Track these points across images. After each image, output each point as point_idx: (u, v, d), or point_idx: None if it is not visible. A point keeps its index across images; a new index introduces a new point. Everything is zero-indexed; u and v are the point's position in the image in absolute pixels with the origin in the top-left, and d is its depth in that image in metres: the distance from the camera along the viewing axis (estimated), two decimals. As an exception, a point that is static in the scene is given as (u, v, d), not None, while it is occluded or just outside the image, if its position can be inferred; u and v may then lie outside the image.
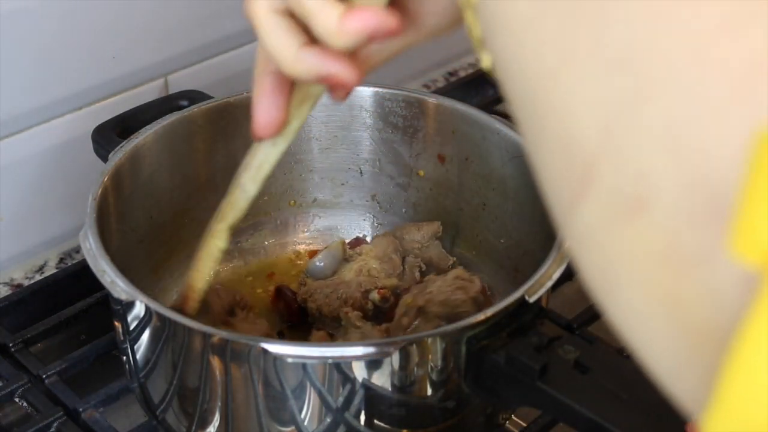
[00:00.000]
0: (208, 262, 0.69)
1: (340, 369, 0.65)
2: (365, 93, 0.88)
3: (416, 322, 0.76)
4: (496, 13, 0.37)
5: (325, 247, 0.87)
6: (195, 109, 0.85)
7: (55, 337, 0.86)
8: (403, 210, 0.91)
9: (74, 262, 0.95)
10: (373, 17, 0.46)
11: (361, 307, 0.81)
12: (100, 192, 0.75)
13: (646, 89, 0.32)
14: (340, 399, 0.65)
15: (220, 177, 0.88)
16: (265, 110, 0.55)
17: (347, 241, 0.89)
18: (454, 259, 0.88)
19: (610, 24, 0.33)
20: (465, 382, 0.67)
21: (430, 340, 0.66)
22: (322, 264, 0.85)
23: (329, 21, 0.47)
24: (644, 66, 0.32)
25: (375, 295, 0.82)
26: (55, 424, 0.76)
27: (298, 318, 0.84)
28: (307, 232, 0.92)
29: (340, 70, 0.50)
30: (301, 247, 0.92)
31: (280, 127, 0.53)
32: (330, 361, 0.64)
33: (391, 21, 0.49)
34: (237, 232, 0.89)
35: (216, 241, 0.67)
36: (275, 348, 0.63)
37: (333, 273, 0.85)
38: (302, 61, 0.51)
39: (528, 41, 0.36)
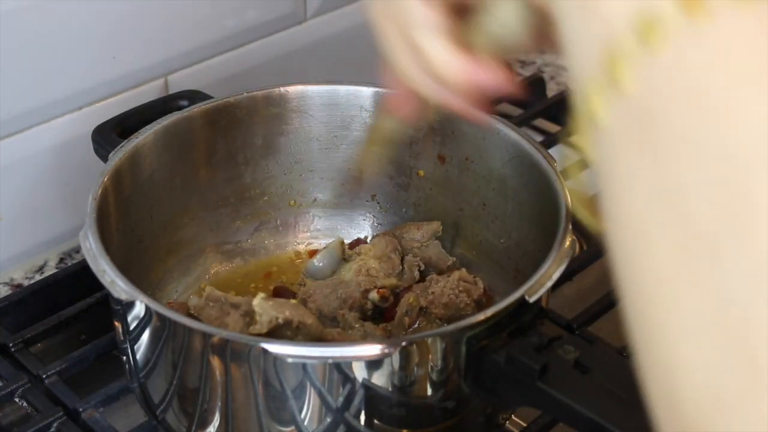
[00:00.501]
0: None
1: (340, 369, 0.65)
2: (365, 93, 0.88)
3: (418, 323, 0.76)
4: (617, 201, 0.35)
5: (324, 247, 0.87)
6: (195, 109, 0.85)
7: (55, 337, 0.86)
8: (403, 210, 0.91)
9: (74, 262, 0.96)
10: (492, 78, 0.48)
11: (361, 307, 0.81)
12: (100, 192, 0.75)
13: (757, 380, 0.30)
14: (340, 399, 0.65)
15: (220, 177, 0.88)
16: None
17: (347, 242, 0.89)
18: (454, 258, 0.88)
19: (723, 289, 0.31)
20: (465, 382, 0.67)
21: (430, 340, 0.66)
22: (321, 264, 0.85)
23: (442, 58, 0.50)
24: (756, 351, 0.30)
25: (374, 295, 0.82)
26: (55, 424, 0.76)
27: None
28: (307, 232, 0.92)
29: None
30: (301, 247, 0.92)
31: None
32: (330, 361, 0.64)
33: (505, 84, 0.51)
34: (237, 231, 0.90)
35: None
36: (275, 348, 0.63)
37: (332, 273, 0.85)
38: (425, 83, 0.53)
39: (642, 262, 0.34)
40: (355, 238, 0.91)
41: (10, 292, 0.92)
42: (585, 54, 0.36)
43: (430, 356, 0.66)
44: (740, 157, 0.31)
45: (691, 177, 0.32)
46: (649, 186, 0.33)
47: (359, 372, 0.65)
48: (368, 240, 0.91)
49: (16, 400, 0.79)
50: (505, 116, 0.96)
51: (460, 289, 0.78)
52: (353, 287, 0.82)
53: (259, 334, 0.71)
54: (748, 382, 0.30)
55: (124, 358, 0.73)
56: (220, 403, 0.68)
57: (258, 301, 0.71)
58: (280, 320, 0.71)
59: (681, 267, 0.32)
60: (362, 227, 0.93)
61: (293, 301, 0.76)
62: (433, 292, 0.78)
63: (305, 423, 0.67)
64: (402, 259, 0.87)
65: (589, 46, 0.35)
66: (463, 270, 0.83)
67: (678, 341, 0.32)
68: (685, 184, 0.32)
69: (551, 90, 1.23)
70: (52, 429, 0.76)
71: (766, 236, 0.30)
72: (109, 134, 0.84)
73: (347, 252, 0.87)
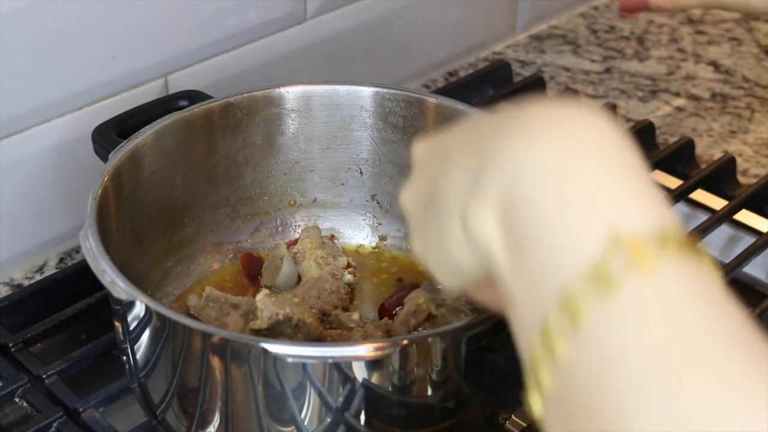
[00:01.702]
0: None
1: (340, 369, 0.65)
2: (365, 93, 0.88)
3: (422, 329, 0.76)
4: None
5: (272, 259, 0.87)
6: (195, 109, 0.85)
7: (55, 337, 0.86)
8: (403, 210, 0.91)
9: (74, 262, 0.96)
10: None
11: (345, 295, 0.82)
12: (100, 192, 0.75)
13: None
14: (340, 399, 0.65)
15: (219, 177, 0.88)
16: None
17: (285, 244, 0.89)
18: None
19: None
20: (465, 382, 0.67)
21: (430, 340, 0.66)
22: (288, 272, 0.85)
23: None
24: None
25: (348, 276, 0.83)
26: (55, 424, 0.76)
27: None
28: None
29: None
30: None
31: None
32: (330, 361, 0.64)
33: None
34: (237, 231, 0.90)
35: None
36: (275, 348, 0.63)
37: (298, 278, 0.85)
38: None
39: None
40: (288, 240, 0.91)
41: (10, 292, 0.92)
42: (527, 327, 0.43)
43: (430, 356, 0.66)
44: None
45: None
46: None
47: (359, 372, 0.65)
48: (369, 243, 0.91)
49: (16, 400, 0.79)
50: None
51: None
52: (330, 279, 0.82)
53: (259, 329, 0.71)
54: None
55: (124, 358, 0.73)
56: (220, 403, 0.68)
57: (261, 297, 0.72)
58: (281, 316, 0.71)
59: None
60: (362, 227, 0.93)
61: (295, 299, 0.76)
62: (443, 300, 0.77)
63: (305, 423, 0.67)
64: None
65: (530, 320, 0.42)
66: None
67: None
68: None
69: (551, 90, 1.23)
70: (52, 429, 0.76)
71: None
72: (109, 134, 0.84)
73: (292, 252, 0.86)
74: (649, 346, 0.38)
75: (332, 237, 0.92)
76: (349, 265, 0.86)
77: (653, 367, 0.37)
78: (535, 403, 0.42)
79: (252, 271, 0.87)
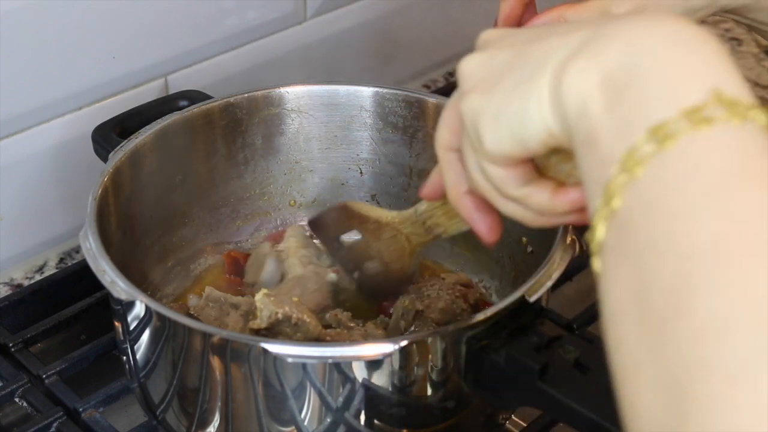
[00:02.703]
0: None
1: (340, 369, 0.65)
2: (365, 93, 0.88)
3: (414, 327, 0.76)
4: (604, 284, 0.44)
5: (255, 255, 0.87)
6: (195, 109, 0.85)
7: (55, 337, 0.86)
8: (403, 210, 0.91)
9: (74, 262, 0.96)
10: (579, 197, 0.54)
11: (328, 293, 0.82)
12: (100, 192, 0.75)
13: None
14: (340, 399, 0.65)
15: (219, 177, 0.88)
16: (483, 224, 0.61)
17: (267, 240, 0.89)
18: None
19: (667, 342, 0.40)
20: (465, 382, 0.67)
21: (430, 340, 0.66)
22: (271, 269, 0.85)
23: (542, 202, 0.55)
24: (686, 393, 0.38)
25: (332, 275, 0.83)
26: (55, 424, 0.76)
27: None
28: (307, 232, 0.92)
29: (480, 228, 0.60)
30: (301, 247, 0.92)
31: (501, 230, 0.62)
32: (330, 361, 0.64)
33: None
34: (237, 231, 0.90)
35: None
36: (275, 348, 0.63)
37: (282, 275, 0.85)
38: (462, 205, 0.60)
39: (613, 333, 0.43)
40: (273, 232, 0.91)
41: (10, 292, 0.92)
42: (591, 185, 0.45)
43: (430, 356, 0.66)
44: (687, 252, 0.40)
45: (652, 274, 0.41)
46: (626, 286, 0.42)
47: (359, 372, 0.65)
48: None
49: (16, 400, 0.79)
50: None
51: (457, 294, 0.78)
52: (314, 277, 0.82)
53: (258, 329, 0.71)
54: (676, 422, 0.38)
55: (124, 358, 0.73)
56: (220, 403, 0.68)
57: (260, 297, 0.72)
58: (280, 315, 0.71)
59: (640, 340, 0.40)
60: (362, 227, 0.93)
61: (294, 299, 0.76)
62: (428, 295, 0.78)
63: (305, 423, 0.67)
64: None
65: (594, 179, 0.45)
66: (460, 273, 0.83)
67: (635, 392, 0.41)
68: (647, 280, 0.41)
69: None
70: (52, 429, 0.76)
71: (701, 312, 0.38)
72: (109, 134, 0.84)
73: (277, 251, 0.86)
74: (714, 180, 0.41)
75: None
76: (332, 264, 0.85)
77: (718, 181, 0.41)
78: (600, 231, 0.44)
79: (236, 268, 0.87)
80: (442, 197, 0.65)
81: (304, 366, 0.65)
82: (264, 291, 0.73)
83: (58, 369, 0.80)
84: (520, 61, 0.51)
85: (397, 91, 0.88)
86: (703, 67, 0.45)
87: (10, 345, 0.83)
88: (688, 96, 0.43)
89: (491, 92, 0.52)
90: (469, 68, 0.55)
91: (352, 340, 0.76)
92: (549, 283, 0.68)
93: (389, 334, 0.77)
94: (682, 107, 0.43)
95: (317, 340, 0.74)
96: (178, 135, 0.84)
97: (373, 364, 0.65)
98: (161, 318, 0.67)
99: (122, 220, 0.79)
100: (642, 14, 0.49)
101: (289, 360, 0.64)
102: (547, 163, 0.54)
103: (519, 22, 0.80)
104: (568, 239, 0.71)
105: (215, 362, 0.66)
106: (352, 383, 0.65)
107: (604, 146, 0.45)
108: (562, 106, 0.47)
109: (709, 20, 1.37)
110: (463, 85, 0.55)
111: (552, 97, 0.48)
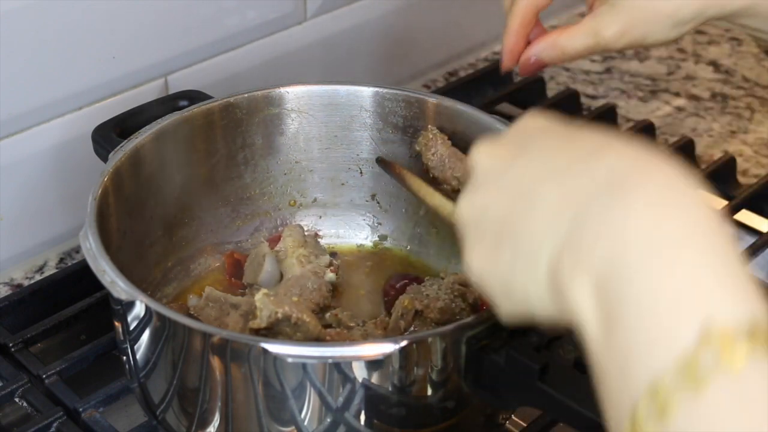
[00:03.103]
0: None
1: (340, 369, 0.65)
2: (365, 93, 0.88)
3: (413, 327, 0.76)
4: None
5: (255, 256, 0.87)
6: (195, 109, 0.85)
7: (55, 337, 0.86)
8: (403, 210, 0.91)
9: (74, 262, 0.96)
10: None
11: (327, 293, 0.82)
12: (100, 192, 0.75)
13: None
14: (340, 399, 0.65)
15: (219, 177, 0.88)
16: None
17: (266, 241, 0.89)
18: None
19: None
20: (465, 382, 0.67)
21: (430, 340, 0.66)
22: (270, 269, 0.85)
23: None
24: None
25: (330, 275, 0.83)
26: (55, 424, 0.76)
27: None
28: (307, 232, 0.92)
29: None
30: (301, 247, 0.92)
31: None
32: (330, 361, 0.64)
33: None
34: (237, 231, 0.90)
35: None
36: (275, 348, 0.63)
37: (280, 275, 0.85)
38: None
39: None
40: (274, 234, 0.91)
41: (10, 292, 0.92)
42: (616, 407, 0.44)
43: (430, 356, 0.66)
44: None
45: None
46: None
47: (359, 372, 0.65)
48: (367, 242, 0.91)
49: (16, 400, 0.79)
50: (506, 116, 0.96)
51: (456, 293, 0.78)
52: (312, 276, 0.82)
53: (258, 328, 0.71)
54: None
55: (124, 358, 0.73)
56: (220, 403, 0.68)
57: (260, 296, 0.72)
58: (279, 315, 0.71)
59: None
60: (362, 227, 0.93)
61: (294, 298, 0.76)
62: (427, 295, 0.78)
63: (305, 423, 0.67)
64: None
65: (620, 402, 0.43)
66: (459, 272, 0.83)
67: None
68: None
69: (551, 90, 1.23)
70: (52, 429, 0.76)
71: None
72: (109, 134, 0.84)
73: (275, 251, 0.86)
74: None
75: (316, 235, 0.91)
76: (331, 264, 0.85)
77: None
78: None
79: (237, 270, 0.87)
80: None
81: (304, 366, 0.65)
82: (264, 291, 0.73)
83: (58, 369, 0.80)
84: (512, 231, 0.51)
85: (397, 91, 0.88)
86: (693, 283, 0.42)
87: (10, 345, 0.83)
88: (678, 337, 0.41)
89: (492, 261, 0.52)
90: (467, 213, 0.55)
91: (352, 340, 0.76)
92: (549, 283, 0.68)
93: (389, 334, 0.77)
94: (674, 360, 0.41)
95: (317, 340, 0.74)
96: (178, 135, 0.84)
97: (373, 364, 0.65)
98: (161, 318, 0.67)
99: (122, 220, 0.79)
100: (627, 177, 0.46)
101: (289, 360, 0.64)
102: None
103: (526, 41, 0.83)
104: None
105: (215, 362, 0.66)
106: (352, 383, 0.65)
107: (611, 390, 0.44)
108: (562, 308, 0.47)
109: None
110: (466, 231, 0.55)
111: (551, 292, 0.48)
